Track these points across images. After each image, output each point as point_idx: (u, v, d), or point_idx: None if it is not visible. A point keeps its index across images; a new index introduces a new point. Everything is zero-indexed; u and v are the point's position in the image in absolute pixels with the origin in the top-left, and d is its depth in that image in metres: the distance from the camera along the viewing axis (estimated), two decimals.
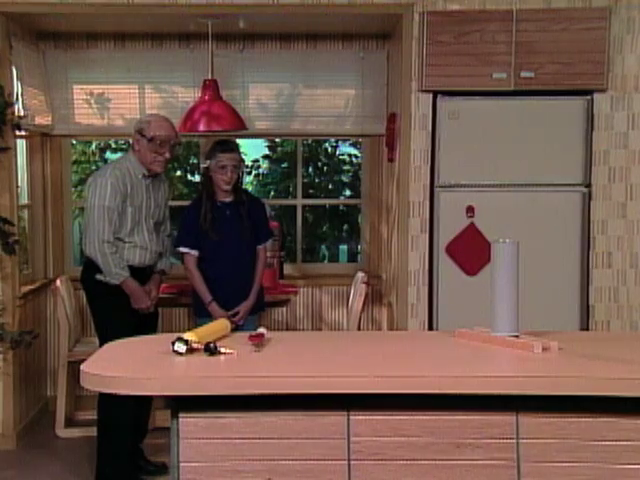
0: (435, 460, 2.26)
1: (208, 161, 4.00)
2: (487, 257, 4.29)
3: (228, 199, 4.04)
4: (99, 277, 3.80)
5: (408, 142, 4.37)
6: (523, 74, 4.20)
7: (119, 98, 5.05)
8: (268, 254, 4.78)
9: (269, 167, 7.77)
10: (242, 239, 4.03)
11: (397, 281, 4.51)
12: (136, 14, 4.44)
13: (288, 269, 5.35)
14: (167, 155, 3.83)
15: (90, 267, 3.82)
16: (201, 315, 4.00)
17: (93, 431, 4.62)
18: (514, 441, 2.25)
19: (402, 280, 4.42)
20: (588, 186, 4.34)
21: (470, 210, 4.33)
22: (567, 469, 2.23)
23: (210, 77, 4.65)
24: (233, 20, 4.52)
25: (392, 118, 4.71)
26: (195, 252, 4.04)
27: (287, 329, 5.19)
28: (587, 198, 4.33)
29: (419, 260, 4.40)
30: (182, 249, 4.06)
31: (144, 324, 3.80)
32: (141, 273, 3.90)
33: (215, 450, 2.28)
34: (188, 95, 4.98)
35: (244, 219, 4.04)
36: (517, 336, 2.56)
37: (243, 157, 4.20)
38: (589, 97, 4.28)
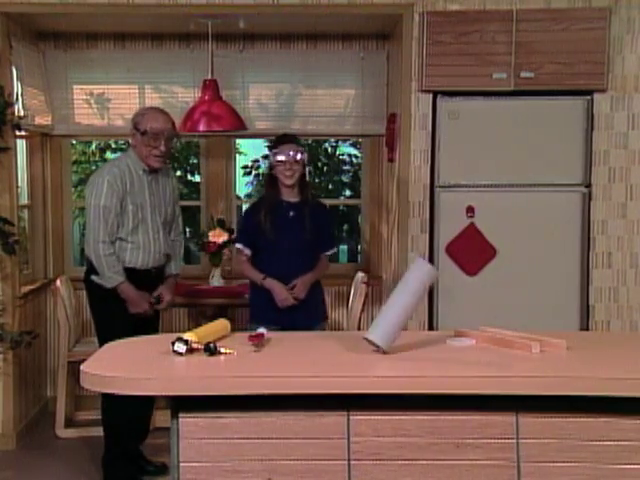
0: (435, 460, 2.26)
1: (270, 157, 3.84)
2: (487, 257, 4.36)
3: (293, 199, 3.82)
4: (94, 278, 3.74)
5: (408, 142, 4.37)
6: (523, 74, 4.20)
7: (119, 98, 5.04)
8: None
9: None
10: (303, 243, 3.80)
11: (397, 281, 4.48)
12: (136, 14, 4.44)
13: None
14: (162, 148, 3.68)
15: (90, 268, 3.76)
16: (258, 321, 3.63)
17: (93, 431, 4.64)
18: (514, 441, 2.25)
19: None
20: (588, 186, 4.34)
21: (470, 210, 4.32)
22: (567, 469, 2.23)
23: (210, 77, 4.64)
24: (233, 20, 4.51)
25: (392, 118, 4.70)
26: (248, 251, 3.87)
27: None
28: (587, 198, 4.33)
29: None
30: (238, 245, 3.93)
31: (144, 326, 3.74)
32: (145, 275, 3.79)
33: (215, 450, 2.28)
34: (188, 95, 4.98)
35: (307, 222, 3.80)
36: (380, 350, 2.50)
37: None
38: (589, 97, 4.28)
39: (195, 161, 6.88)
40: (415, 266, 2.57)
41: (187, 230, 6.95)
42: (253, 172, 7.66)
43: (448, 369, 2.29)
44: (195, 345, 2.46)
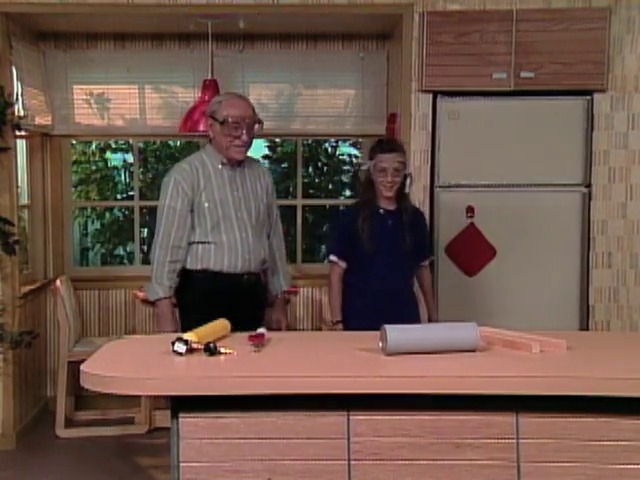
0: (435, 460, 2.25)
1: (368, 162, 3.54)
2: (487, 257, 4.36)
3: (391, 207, 3.56)
4: (144, 289, 3.40)
5: (408, 142, 4.36)
6: (523, 74, 4.20)
7: (119, 98, 5.04)
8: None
9: (269, 167, 7.77)
10: (403, 254, 3.53)
11: None
12: (136, 14, 4.44)
13: (288, 269, 5.33)
14: (244, 138, 3.28)
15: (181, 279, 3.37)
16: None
17: (93, 431, 4.65)
18: (514, 441, 2.24)
19: None
20: (588, 186, 4.34)
21: (470, 210, 4.32)
22: (566, 469, 2.23)
23: (210, 77, 4.65)
24: (233, 20, 4.51)
25: (392, 118, 4.70)
26: (343, 264, 3.57)
27: (287, 329, 5.17)
28: (587, 198, 4.33)
29: None
30: (332, 257, 3.59)
31: None
32: (236, 283, 3.33)
33: (215, 450, 2.27)
34: (188, 95, 4.98)
35: (407, 231, 3.53)
36: None
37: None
38: (589, 97, 4.28)
39: None
40: (470, 326, 2.49)
41: None
42: None
43: (448, 369, 2.29)
44: (195, 345, 2.45)
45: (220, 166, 3.36)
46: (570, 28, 4.20)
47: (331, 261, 3.61)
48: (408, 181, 3.56)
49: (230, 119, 3.27)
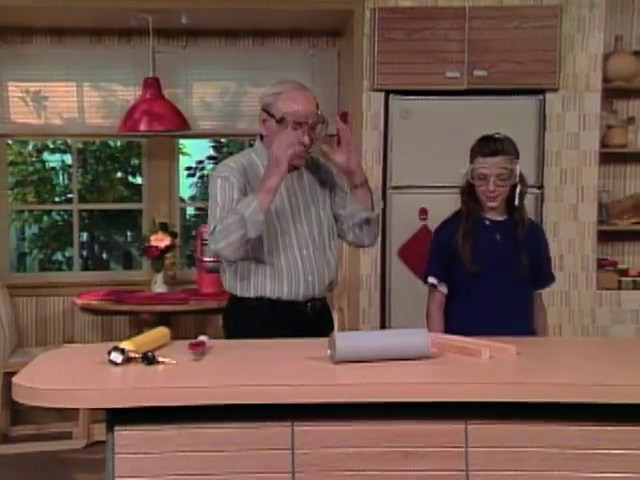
0: (383, 471, 2.17)
1: (468, 165, 2.95)
2: None
3: (500, 217, 2.93)
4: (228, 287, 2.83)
5: (360, 142, 4.30)
6: (476, 73, 4.19)
7: (56, 96, 4.91)
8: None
9: (214, 169, 7.69)
10: (517, 276, 2.90)
11: (348, 286, 4.44)
12: (74, 8, 4.34)
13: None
14: (306, 140, 2.64)
15: (230, 303, 2.89)
16: None
17: (30, 447, 4.48)
18: (463, 450, 2.18)
19: (353, 285, 4.36)
20: (540, 187, 4.32)
21: (423, 212, 4.27)
22: (515, 477, 2.17)
23: (151, 75, 4.58)
24: (175, 15, 4.45)
25: (343, 117, 4.65)
26: (445, 288, 3.00)
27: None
28: (540, 200, 4.31)
29: (371, 264, 4.32)
30: (431, 280, 3.02)
31: None
32: (299, 312, 2.79)
33: (152, 465, 2.16)
34: (128, 93, 4.86)
35: (521, 249, 2.89)
36: None
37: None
38: (541, 97, 4.27)
39: (136, 162, 6.73)
40: (422, 332, 2.35)
41: (128, 234, 6.83)
42: (197, 174, 7.58)
43: (396, 377, 2.22)
44: (132, 354, 2.34)
45: None
46: (522, 26, 4.21)
47: (430, 285, 3.04)
48: (518, 190, 2.88)
49: (289, 117, 2.65)
